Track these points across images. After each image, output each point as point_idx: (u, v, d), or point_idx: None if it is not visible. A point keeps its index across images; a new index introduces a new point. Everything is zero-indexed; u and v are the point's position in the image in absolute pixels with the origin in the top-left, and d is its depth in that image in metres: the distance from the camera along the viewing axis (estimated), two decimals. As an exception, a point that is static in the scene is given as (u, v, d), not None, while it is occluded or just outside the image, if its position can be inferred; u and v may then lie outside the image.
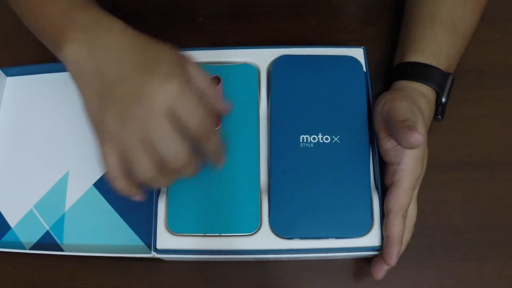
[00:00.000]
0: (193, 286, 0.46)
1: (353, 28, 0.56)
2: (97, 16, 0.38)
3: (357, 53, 0.48)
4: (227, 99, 0.46)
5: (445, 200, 0.48)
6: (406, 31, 0.49)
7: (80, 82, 0.37)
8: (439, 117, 0.47)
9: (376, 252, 0.42)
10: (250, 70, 0.48)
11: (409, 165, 0.41)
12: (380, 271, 0.41)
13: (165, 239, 0.42)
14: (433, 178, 0.46)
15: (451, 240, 0.47)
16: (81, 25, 0.37)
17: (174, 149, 0.34)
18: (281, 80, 0.46)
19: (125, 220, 0.47)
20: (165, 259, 0.45)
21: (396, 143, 0.41)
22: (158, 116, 0.33)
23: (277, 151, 0.44)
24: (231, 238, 0.42)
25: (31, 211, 0.48)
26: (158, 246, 0.42)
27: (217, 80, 0.47)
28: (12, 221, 0.48)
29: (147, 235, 0.46)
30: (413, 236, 0.43)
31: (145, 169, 0.35)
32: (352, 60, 0.47)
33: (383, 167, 0.43)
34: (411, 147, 0.38)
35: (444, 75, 0.46)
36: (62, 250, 0.46)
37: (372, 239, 0.42)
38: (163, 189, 0.44)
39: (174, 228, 0.43)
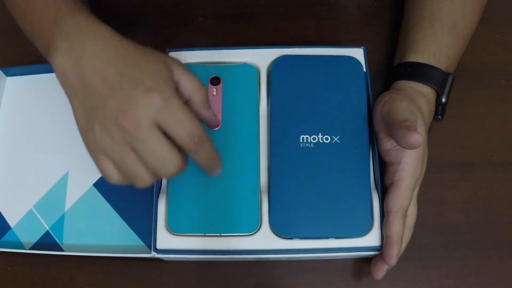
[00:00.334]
0: (193, 286, 0.46)
1: (353, 28, 0.56)
2: (83, 23, 0.37)
3: (357, 53, 0.48)
4: (227, 100, 0.46)
5: (445, 200, 0.48)
6: (406, 31, 0.49)
7: (68, 93, 0.36)
8: (439, 117, 0.47)
9: (376, 252, 0.42)
10: (250, 70, 0.48)
11: (409, 165, 0.41)
12: (380, 271, 0.41)
13: (165, 239, 0.42)
14: (433, 178, 0.46)
15: (451, 240, 0.47)
16: (66, 33, 0.36)
17: (163, 161, 0.34)
18: (281, 80, 0.46)
19: (125, 220, 0.47)
20: (165, 259, 0.45)
21: (396, 143, 0.41)
22: (144, 128, 0.33)
23: (277, 151, 0.44)
24: (231, 238, 0.42)
25: (31, 211, 0.48)
26: (158, 246, 0.42)
27: (217, 80, 0.47)
28: (12, 221, 0.48)
29: (147, 235, 0.46)
30: (413, 236, 0.43)
31: (141, 178, 0.35)
32: (352, 60, 0.47)
33: (383, 167, 0.43)
34: (411, 147, 0.38)
35: (444, 75, 0.46)
36: (62, 250, 0.46)
37: (372, 239, 0.42)
38: (163, 189, 0.44)
39: (174, 228, 0.43)
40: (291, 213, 0.42)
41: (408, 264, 0.45)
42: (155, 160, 0.34)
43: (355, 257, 0.46)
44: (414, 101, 0.43)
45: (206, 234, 0.42)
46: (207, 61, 0.48)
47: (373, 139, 0.45)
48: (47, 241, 0.47)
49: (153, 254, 0.43)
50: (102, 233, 0.47)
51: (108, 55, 0.35)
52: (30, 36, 0.42)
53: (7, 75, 0.53)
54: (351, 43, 0.49)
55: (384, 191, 0.43)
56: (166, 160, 0.34)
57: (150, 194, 0.44)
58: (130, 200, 0.47)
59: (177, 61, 0.38)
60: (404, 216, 0.41)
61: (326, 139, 0.44)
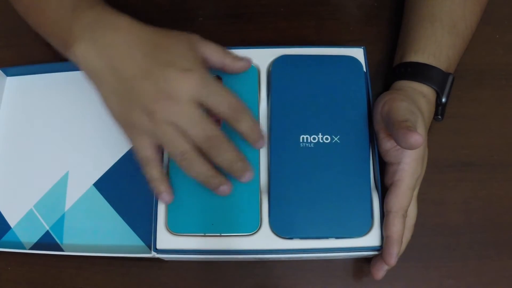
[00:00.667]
0: (193, 286, 0.46)
1: (353, 28, 0.56)
2: (103, 14, 0.38)
3: (357, 53, 0.48)
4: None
5: (445, 200, 0.48)
6: (406, 31, 0.49)
7: (95, 81, 0.38)
8: (439, 117, 0.47)
9: (376, 252, 0.42)
10: (250, 70, 0.47)
11: (409, 165, 0.41)
12: (380, 271, 0.41)
13: (165, 239, 0.42)
14: (433, 178, 0.46)
15: (451, 240, 0.47)
16: (87, 24, 0.38)
17: (206, 132, 0.37)
18: (281, 80, 0.46)
19: (125, 220, 0.47)
20: (165, 259, 0.45)
21: (396, 143, 0.41)
22: (187, 104, 0.36)
23: (277, 151, 0.44)
24: (231, 238, 0.42)
25: (31, 211, 0.48)
26: (158, 246, 0.42)
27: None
28: (12, 221, 0.48)
29: (147, 235, 0.46)
30: (413, 236, 0.43)
31: (183, 151, 0.37)
32: (352, 60, 0.47)
33: (383, 167, 0.43)
34: (410, 147, 0.38)
35: (444, 75, 0.46)
36: (62, 250, 0.46)
37: (372, 239, 0.42)
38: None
39: (174, 228, 0.43)
40: (291, 213, 0.42)
41: (408, 264, 0.45)
42: (198, 131, 0.37)
43: (355, 257, 0.46)
44: (414, 101, 0.43)
45: (206, 234, 0.42)
46: (207, 61, 0.48)
47: (373, 139, 0.45)
48: (47, 241, 0.47)
49: (153, 254, 0.43)
50: (102, 233, 0.47)
51: (132, 41, 0.37)
52: (40, 30, 0.43)
53: (7, 75, 0.53)
54: (351, 43, 0.49)
55: (384, 191, 0.43)
56: (207, 130, 0.37)
57: (150, 194, 0.44)
58: (130, 200, 0.47)
59: (196, 37, 0.40)
60: (404, 216, 0.41)
61: (326, 139, 0.44)
